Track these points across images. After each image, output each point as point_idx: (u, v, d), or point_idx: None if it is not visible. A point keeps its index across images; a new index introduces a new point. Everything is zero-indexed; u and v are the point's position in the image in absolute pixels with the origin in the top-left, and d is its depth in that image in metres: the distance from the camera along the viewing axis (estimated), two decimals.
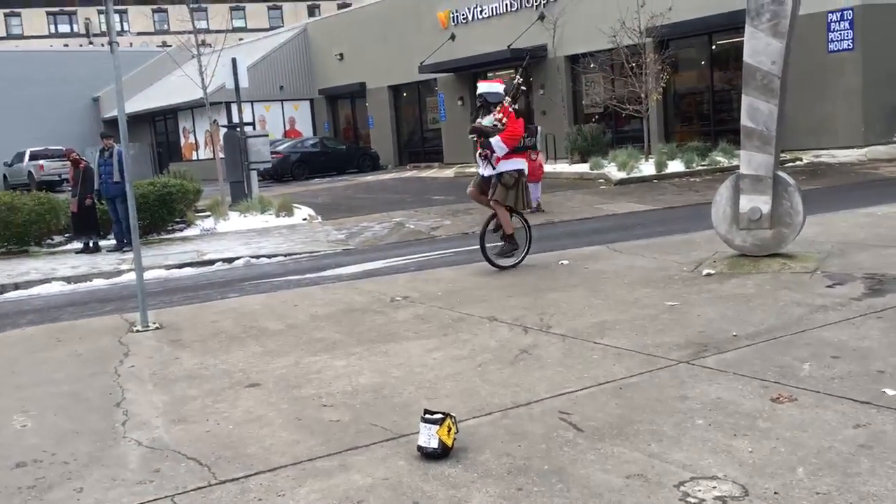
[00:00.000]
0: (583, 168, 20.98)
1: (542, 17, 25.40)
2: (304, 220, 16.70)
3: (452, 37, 29.02)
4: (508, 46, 25.81)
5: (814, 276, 6.96)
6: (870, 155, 18.53)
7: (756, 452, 3.63)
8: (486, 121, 8.41)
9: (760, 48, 7.35)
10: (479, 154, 8.48)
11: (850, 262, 7.37)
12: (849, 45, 18.91)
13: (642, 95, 20.41)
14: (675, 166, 19.16)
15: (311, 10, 64.10)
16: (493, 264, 8.57)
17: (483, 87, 8.64)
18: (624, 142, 23.04)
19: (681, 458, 3.64)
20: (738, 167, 7.81)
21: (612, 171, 19.53)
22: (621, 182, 18.50)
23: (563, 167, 21.77)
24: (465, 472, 3.68)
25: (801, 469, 3.43)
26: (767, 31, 7.30)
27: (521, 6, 26.57)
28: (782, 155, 13.32)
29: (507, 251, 8.59)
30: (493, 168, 8.43)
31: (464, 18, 28.66)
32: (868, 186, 14.36)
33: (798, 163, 18.59)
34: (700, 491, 3.32)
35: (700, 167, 18.95)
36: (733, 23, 16.60)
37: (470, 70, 28.57)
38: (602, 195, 16.81)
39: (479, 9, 28.05)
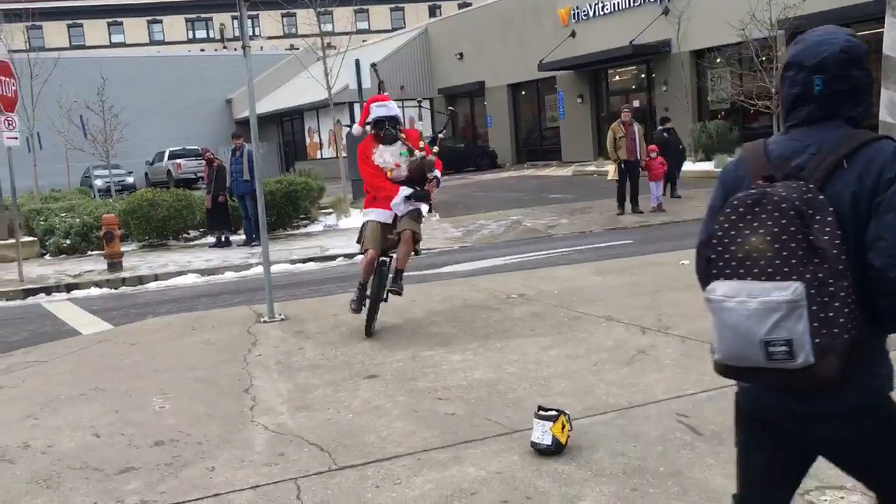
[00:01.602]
0: (707, 166, 20.34)
1: (666, 12, 24.76)
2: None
3: (573, 34, 28.72)
4: (630, 42, 25.31)
5: None
6: None
7: None
8: (391, 152, 6.57)
9: None
10: (408, 196, 6.56)
11: None
12: None
13: (772, 91, 19.55)
14: None
15: (433, 11, 64.94)
16: (371, 325, 6.67)
17: (386, 109, 6.64)
18: (752, 139, 22.01)
19: None
20: None
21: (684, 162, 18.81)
22: None
23: (686, 165, 21.13)
24: (578, 470, 3.67)
25: None
26: None
27: (644, 1, 26.00)
28: None
29: (398, 291, 6.67)
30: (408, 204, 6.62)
31: (584, 15, 28.31)
32: None
33: None
34: (826, 501, 3.19)
35: None
36: (873, 13, 15.67)
37: (590, 67, 28.20)
38: None
39: (600, 5, 27.64)
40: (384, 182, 6.57)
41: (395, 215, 6.60)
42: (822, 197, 1.90)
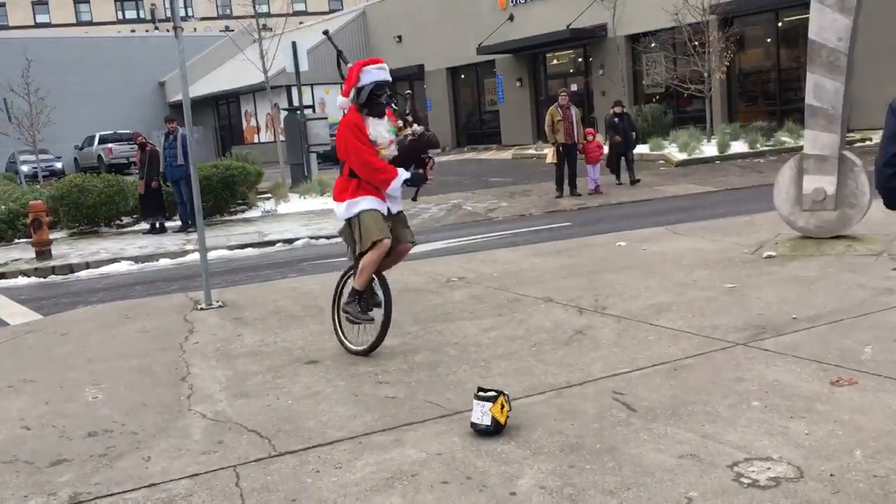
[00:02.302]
0: (642, 149, 20.66)
1: None
2: None
3: (511, 17, 28.80)
4: (568, 26, 25.51)
5: (879, 259, 6.78)
6: None
7: (813, 435, 3.59)
8: (385, 127, 5.39)
9: (826, 24, 7.15)
10: (412, 180, 5.47)
11: None
12: None
13: (705, 74, 19.98)
14: (738, 147, 18.76)
15: None
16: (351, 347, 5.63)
17: (386, 73, 5.38)
18: (685, 122, 22.60)
19: (735, 438, 3.62)
20: (802, 147, 7.63)
21: (673, 152, 19.21)
22: (682, 163, 18.20)
23: None
24: (517, 449, 3.73)
25: (858, 452, 3.38)
26: (834, 7, 7.09)
27: None
28: (850, 135, 12.94)
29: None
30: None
31: None
32: None
33: (868, 143, 17.98)
34: (754, 472, 3.30)
35: (764, 148, 18.51)
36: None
37: (529, 51, 28.34)
38: (662, 176, 16.56)
39: None
40: (382, 163, 5.33)
41: (388, 208, 5.44)
42: None
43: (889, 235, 7.52)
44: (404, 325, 6.13)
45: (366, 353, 5.42)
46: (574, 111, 14.50)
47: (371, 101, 5.33)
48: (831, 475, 3.21)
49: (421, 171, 5.48)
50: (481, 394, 3.97)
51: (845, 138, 7.53)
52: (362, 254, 5.30)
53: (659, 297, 6.27)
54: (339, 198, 5.42)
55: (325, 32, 6.43)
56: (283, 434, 4.15)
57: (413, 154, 5.46)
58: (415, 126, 5.45)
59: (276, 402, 4.65)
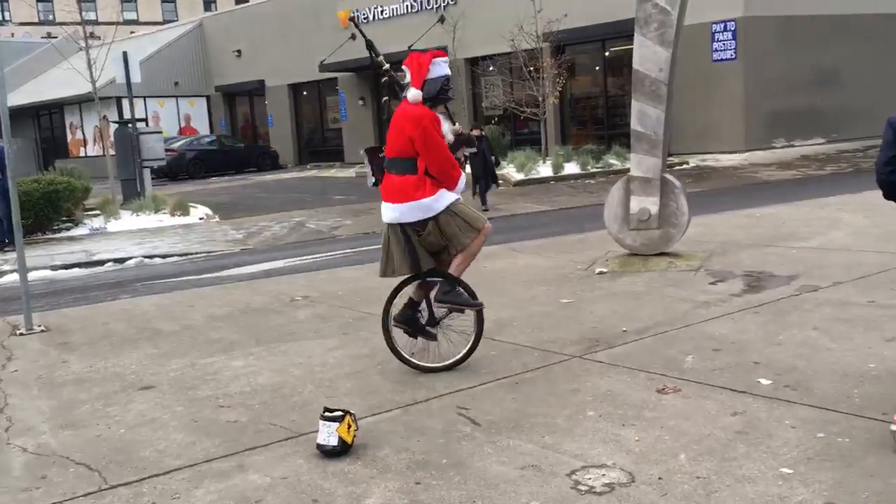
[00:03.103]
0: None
1: (442, 20, 25.61)
2: (201, 219, 16.30)
3: (353, 36, 28.84)
4: (409, 48, 25.88)
5: (698, 274, 7.32)
6: (751, 159, 19.55)
7: (642, 441, 3.81)
8: (447, 125, 5.18)
9: (648, 56, 7.67)
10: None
11: (731, 260, 7.79)
12: (731, 55, 19.89)
13: (539, 99, 20.88)
14: (571, 168, 19.70)
15: (207, 5, 62.48)
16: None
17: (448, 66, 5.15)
18: (522, 144, 23.51)
19: (573, 448, 3.79)
20: (629, 169, 8.13)
21: (511, 172, 19.89)
22: (520, 183, 18.87)
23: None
24: (364, 469, 3.71)
25: (683, 455, 3.63)
26: (655, 40, 7.63)
27: (421, 7, 26.71)
28: (670, 158, 13.90)
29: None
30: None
31: (364, 18, 28.56)
32: (748, 189, 15.16)
33: (685, 166, 19.42)
34: (590, 479, 3.46)
35: (594, 169, 19.54)
36: (624, 31, 17.21)
37: (371, 70, 28.49)
38: (500, 196, 17.08)
39: (379, 9, 28.03)
40: (455, 161, 5.09)
41: None
42: None
43: (705, 252, 8.14)
44: (247, 346, 5.96)
45: (450, 368, 5.05)
46: None
47: (438, 96, 5.00)
48: (659, 478, 3.42)
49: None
50: (327, 414, 3.93)
51: (667, 162, 8.10)
52: (460, 247, 4.93)
53: (500, 312, 6.45)
54: (414, 196, 4.85)
55: (352, 19, 6.01)
56: (115, 465, 3.92)
57: (453, 152, 5.13)
58: (456, 123, 5.29)
59: (107, 432, 4.39)
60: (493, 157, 14.72)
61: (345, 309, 7.01)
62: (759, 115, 20.06)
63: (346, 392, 4.81)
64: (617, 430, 3.96)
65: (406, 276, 5.06)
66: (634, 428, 3.97)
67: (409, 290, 5.12)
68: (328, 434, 3.86)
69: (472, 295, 5.05)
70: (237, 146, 32.51)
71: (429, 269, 5.00)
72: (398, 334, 5.13)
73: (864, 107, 20.94)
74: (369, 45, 5.32)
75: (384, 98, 5.46)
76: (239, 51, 34.21)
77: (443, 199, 4.93)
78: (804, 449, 3.59)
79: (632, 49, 8.06)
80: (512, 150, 22.46)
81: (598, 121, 24.11)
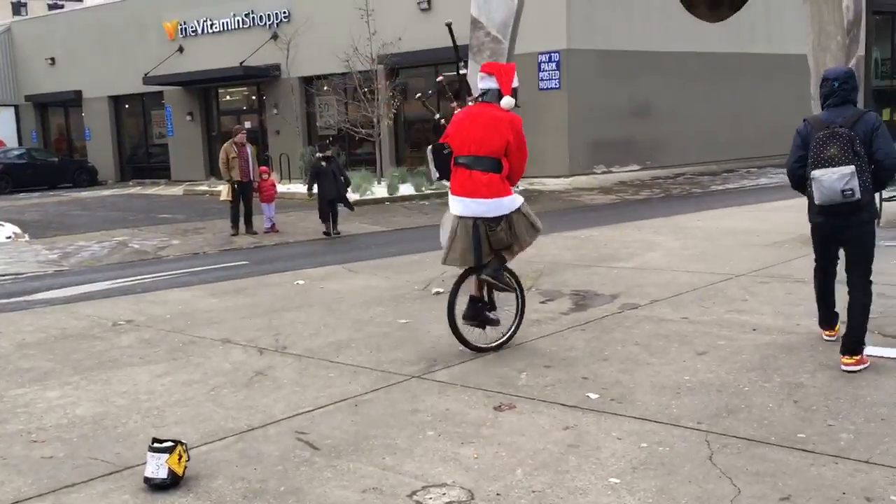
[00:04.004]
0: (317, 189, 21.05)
1: (275, 37, 25.21)
2: (9, 238, 15.04)
3: (180, 49, 27.83)
4: (241, 63, 25.30)
5: (529, 293, 7.59)
6: (574, 184, 20.61)
7: (481, 458, 3.89)
8: None
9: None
10: None
11: (559, 279, 8.15)
12: (556, 84, 20.92)
13: (374, 120, 21.00)
14: (406, 189, 19.92)
15: (17, 9, 58.11)
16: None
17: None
18: (358, 164, 23.51)
19: (413, 468, 3.80)
20: None
21: (347, 192, 19.82)
22: (356, 204, 18.83)
23: (297, 187, 21.68)
24: (196, 501, 3.54)
25: (519, 470, 3.73)
26: None
27: (253, 24, 26.18)
28: None
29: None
30: None
31: (193, 31, 27.62)
32: (573, 212, 15.97)
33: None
34: (431, 498, 3.48)
35: (429, 191, 19.86)
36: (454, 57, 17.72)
37: (200, 85, 27.57)
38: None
39: (209, 22, 27.19)
40: None
41: None
42: (853, 133, 4.69)
43: (536, 272, 8.47)
44: (63, 375, 5.55)
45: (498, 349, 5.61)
46: (249, 149, 14.37)
47: (516, 104, 5.51)
48: (498, 494, 3.50)
49: None
50: (156, 445, 3.72)
51: None
52: (524, 245, 5.65)
53: (338, 334, 6.39)
54: (499, 193, 5.40)
55: (449, 24, 6.07)
56: None
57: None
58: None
59: None
60: (342, 178, 13.93)
61: (173, 333, 6.68)
62: (581, 142, 21.20)
63: (177, 421, 4.58)
64: (456, 448, 4.01)
65: (466, 269, 5.57)
66: (473, 446, 4.04)
67: (466, 288, 5.61)
68: (157, 466, 3.66)
69: (517, 281, 5.76)
70: (50, 160, 30.32)
71: (467, 269, 5.57)
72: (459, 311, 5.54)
73: (674, 136, 22.69)
74: (457, 51, 6.17)
75: (421, 96, 6.38)
76: (53, 59, 32.02)
77: (517, 199, 5.58)
78: (630, 459, 3.80)
79: (464, 74, 8.28)
80: (347, 170, 22.40)
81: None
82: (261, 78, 25.97)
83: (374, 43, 20.78)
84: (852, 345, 4.81)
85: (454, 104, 5.99)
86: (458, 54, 5.83)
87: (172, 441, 3.75)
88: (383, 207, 18.42)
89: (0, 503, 3.59)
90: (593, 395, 4.68)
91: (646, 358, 5.37)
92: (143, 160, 31.33)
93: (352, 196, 19.27)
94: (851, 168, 4.59)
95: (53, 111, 34.10)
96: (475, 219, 5.41)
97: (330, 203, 13.61)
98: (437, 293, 7.79)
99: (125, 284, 9.82)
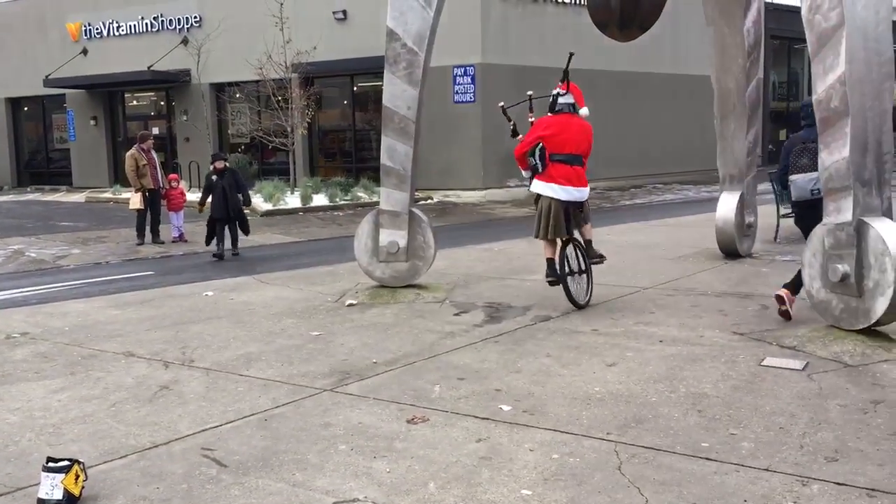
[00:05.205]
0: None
1: (185, 42, 24.59)
2: None
3: (85, 51, 26.82)
4: (149, 68, 24.57)
5: (443, 306, 7.60)
6: (488, 197, 20.81)
7: (393, 472, 3.84)
8: None
9: (398, 94, 7.91)
10: None
11: (473, 292, 8.19)
12: (471, 97, 21.12)
13: (288, 129, 20.72)
14: (320, 200, 19.70)
15: None
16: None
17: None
18: (270, 174, 23.13)
19: (324, 484, 3.72)
20: (378, 203, 8.28)
21: (259, 202, 19.46)
22: (267, 213, 18.52)
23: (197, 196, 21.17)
24: None
25: (432, 484, 3.71)
26: (404, 79, 7.88)
27: (162, 27, 25.47)
28: (416, 193, 14.39)
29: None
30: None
31: (98, 32, 26.66)
32: (486, 225, 16.11)
33: (430, 201, 20.21)
34: None
35: (343, 202, 19.70)
36: (374, 67, 17.64)
37: (106, 88, 26.63)
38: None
39: (115, 24, 26.31)
40: None
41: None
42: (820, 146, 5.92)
43: (450, 284, 8.49)
44: None
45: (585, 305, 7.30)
46: (155, 155, 13.95)
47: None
48: None
49: None
50: (51, 465, 3.55)
51: (414, 196, 8.36)
52: (589, 221, 7.46)
53: (248, 346, 6.24)
54: (587, 184, 7.25)
55: (571, 54, 7.68)
56: None
57: None
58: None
59: None
60: (240, 195, 12.02)
61: (72, 346, 6.39)
62: (495, 155, 21.42)
63: (74, 438, 4.37)
64: (368, 462, 3.96)
65: (562, 240, 7.19)
66: (386, 459, 3.99)
67: (554, 252, 7.17)
68: (51, 486, 3.47)
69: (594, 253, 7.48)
70: None
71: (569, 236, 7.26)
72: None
73: None
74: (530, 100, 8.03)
75: (503, 105, 8.25)
76: None
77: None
78: (541, 470, 3.83)
79: (380, 85, 8.26)
80: (259, 179, 22.03)
81: (347, 154, 24.40)
82: (170, 83, 25.27)
83: (289, 51, 20.53)
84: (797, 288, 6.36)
85: (532, 117, 7.71)
86: (567, 78, 7.53)
87: (69, 460, 3.58)
88: (296, 218, 18.16)
89: None
90: (506, 407, 4.71)
91: (557, 369, 5.43)
92: (42, 165, 30.01)
93: (264, 206, 18.96)
94: (817, 174, 6.01)
95: None
96: (568, 202, 7.07)
97: (220, 222, 11.89)
98: (351, 305, 7.71)
99: (20, 295, 9.35)
